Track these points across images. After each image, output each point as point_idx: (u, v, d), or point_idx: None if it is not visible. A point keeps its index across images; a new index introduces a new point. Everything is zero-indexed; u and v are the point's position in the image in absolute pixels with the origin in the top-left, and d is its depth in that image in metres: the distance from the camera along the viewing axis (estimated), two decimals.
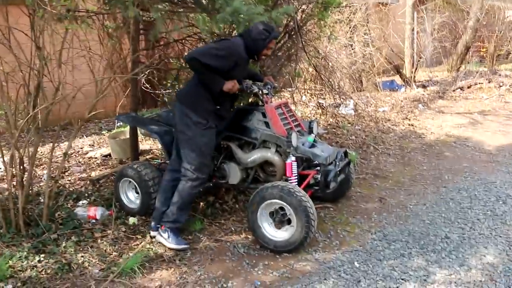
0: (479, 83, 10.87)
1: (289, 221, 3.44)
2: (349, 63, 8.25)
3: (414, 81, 11.12)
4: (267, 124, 3.71)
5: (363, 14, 9.55)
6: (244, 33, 3.44)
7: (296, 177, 3.63)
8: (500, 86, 10.52)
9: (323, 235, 3.84)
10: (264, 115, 3.72)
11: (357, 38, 9.09)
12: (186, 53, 4.44)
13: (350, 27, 8.73)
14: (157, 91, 6.22)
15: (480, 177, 5.14)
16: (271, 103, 3.82)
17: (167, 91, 5.78)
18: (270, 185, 3.47)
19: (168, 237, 3.51)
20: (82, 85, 3.57)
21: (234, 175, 3.90)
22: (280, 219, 3.48)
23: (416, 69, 11.42)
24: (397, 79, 11.37)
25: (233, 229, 3.93)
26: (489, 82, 10.80)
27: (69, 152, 4.96)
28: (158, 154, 5.61)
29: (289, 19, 4.91)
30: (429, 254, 3.48)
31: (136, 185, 3.96)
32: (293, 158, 3.62)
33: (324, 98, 7.29)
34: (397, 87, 10.79)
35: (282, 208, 3.44)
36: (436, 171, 5.45)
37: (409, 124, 7.63)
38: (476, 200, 4.53)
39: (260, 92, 3.75)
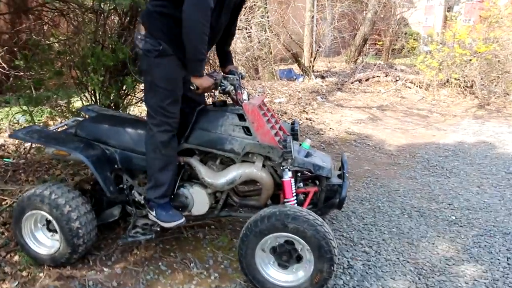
0: (377, 76, 10.69)
1: (298, 258, 2.52)
2: (244, 49, 7.33)
3: (313, 71, 10.63)
4: (246, 130, 2.66)
5: None
6: None
7: (296, 197, 2.69)
8: (397, 81, 10.39)
9: (199, 265, 2.95)
10: (241, 117, 2.67)
11: (253, 21, 8.21)
12: None
13: (245, 8, 7.79)
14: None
15: (383, 184, 4.53)
16: (247, 100, 2.76)
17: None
18: (269, 211, 2.49)
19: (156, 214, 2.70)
20: None
21: (200, 202, 2.83)
22: (288, 257, 2.52)
23: (314, 58, 10.93)
24: (295, 68, 10.78)
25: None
26: (386, 76, 10.66)
27: None
28: (11, 151, 4.22)
29: None
30: None
31: (52, 219, 2.66)
32: (290, 174, 2.65)
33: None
34: (295, 77, 10.23)
35: (289, 242, 2.48)
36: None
37: (306, 118, 6.95)
38: (380, 213, 3.88)
39: (232, 89, 2.68)
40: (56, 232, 2.68)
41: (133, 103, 5.00)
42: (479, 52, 9.16)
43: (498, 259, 3.18)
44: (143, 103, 5.36)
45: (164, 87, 2.53)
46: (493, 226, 3.69)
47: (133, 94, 4.77)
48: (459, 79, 9.46)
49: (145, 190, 2.77)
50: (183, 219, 2.73)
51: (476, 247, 3.35)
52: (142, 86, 4.84)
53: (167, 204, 2.74)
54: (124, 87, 4.47)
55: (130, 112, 5.38)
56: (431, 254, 3.21)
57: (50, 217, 2.64)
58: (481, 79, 9.21)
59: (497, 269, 3.06)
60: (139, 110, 6.23)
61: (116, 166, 2.83)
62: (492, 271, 3.04)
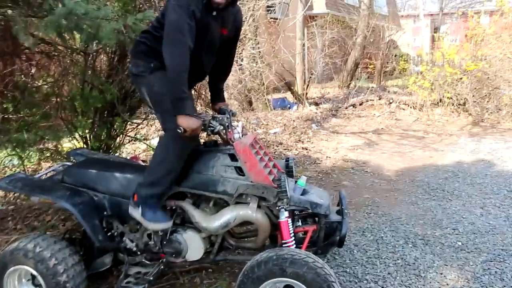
0: (370, 100, 10.70)
1: None
2: (236, 81, 7.30)
3: (307, 98, 10.62)
4: (239, 170, 2.56)
5: (251, 27, 8.73)
6: None
7: (294, 237, 2.56)
8: (390, 103, 10.40)
9: None
10: (233, 157, 2.57)
11: (244, 53, 8.21)
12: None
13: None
14: None
15: (384, 212, 4.40)
16: (239, 138, 2.68)
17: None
18: (265, 256, 2.34)
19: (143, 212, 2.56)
20: None
21: (195, 247, 2.70)
22: None
23: (308, 85, 10.95)
24: (289, 96, 10.77)
25: None
26: (379, 99, 10.68)
27: None
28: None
29: None
30: None
31: (36, 274, 2.50)
32: (287, 214, 2.52)
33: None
34: (289, 105, 10.19)
35: (288, 286, 2.35)
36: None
37: (302, 148, 6.86)
38: (384, 244, 3.73)
39: (222, 129, 2.58)
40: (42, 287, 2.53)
41: (125, 143, 4.91)
42: (469, 70, 9.21)
43: (511, 286, 3.04)
44: (136, 140, 5.34)
45: (166, 92, 2.49)
46: (502, 249, 3.56)
47: (124, 134, 4.69)
48: (451, 98, 9.48)
49: (137, 185, 2.61)
50: (171, 223, 2.61)
51: (487, 274, 3.21)
52: (132, 124, 4.83)
53: (156, 205, 2.61)
54: (114, 127, 4.40)
55: (123, 152, 5.29)
56: (440, 286, 3.06)
57: (34, 272, 2.49)
58: (473, 96, 9.23)
59: None
60: (132, 148, 6.13)
61: (105, 213, 2.72)
62: None
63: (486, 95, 9.31)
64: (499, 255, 3.48)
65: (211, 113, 2.73)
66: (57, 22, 2.49)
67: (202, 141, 2.83)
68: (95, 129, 4.13)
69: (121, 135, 4.63)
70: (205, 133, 2.56)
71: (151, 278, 2.70)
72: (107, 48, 4.06)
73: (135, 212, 2.58)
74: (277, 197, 2.49)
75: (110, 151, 4.47)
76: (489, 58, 9.32)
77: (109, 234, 2.76)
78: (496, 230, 3.91)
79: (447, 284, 3.09)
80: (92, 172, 2.78)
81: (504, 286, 3.04)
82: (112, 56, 4.23)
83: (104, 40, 2.91)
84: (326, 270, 2.28)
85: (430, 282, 3.11)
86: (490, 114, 9.05)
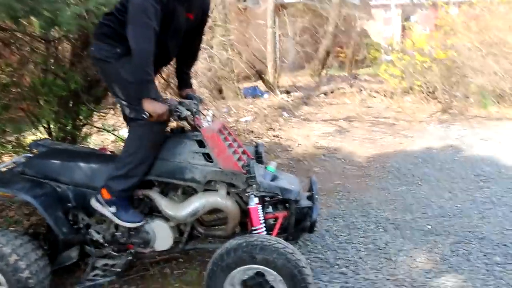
0: (342, 88, 10.75)
1: None
2: (206, 69, 7.20)
3: (278, 87, 10.60)
4: (207, 156, 2.49)
5: (221, 14, 8.61)
6: None
7: (264, 224, 2.49)
8: (361, 91, 10.47)
9: None
10: (201, 144, 2.50)
11: (214, 40, 8.10)
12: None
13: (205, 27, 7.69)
14: None
15: (355, 198, 4.43)
16: (206, 125, 2.61)
17: None
18: (235, 243, 2.29)
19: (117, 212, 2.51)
20: None
21: (163, 237, 2.63)
22: None
23: (279, 74, 10.92)
24: (260, 85, 10.72)
25: None
26: (351, 87, 10.74)
27: None
28: None
29: None
30: None
31: None
32: (257, 200, 2.47)
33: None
34: (260, 94, 10.15)
35: (259, 273, 2.28)
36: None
37: (274, 136, 6.84)
38: (355, 229, 3.75)
39: (190, 114, 2.50)
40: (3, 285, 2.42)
41: (92, 133, 4.77)
42: (438, 59, 9.35)
43: (477, 266, 3.10)
44: (104, 131, 5.19)
45: None
46: (468, 232, 3.62)
47: (91, 124, 4.55)
48: (421, 86, 9.62)
49: (108, 179, 2.53)
50: (144, 221, 2.57)
51: (454, 255, 3.26)
52: (99, 114, 4.69)
53: (128, 203, 2.56)
54: (80, 117, 4.26)
55: (90, 143, 5.15)
56: (410, 269, 3.10)
57: None
58: (442, 84, 9.37)
59: (476, 277, 2.97)
60: (100, 139, 5.98)
61: (69, 204, 2.62)
62: (472, 280, 2.94)
63: (454, 83, 9.48)
64: (466, 237, 3.54)
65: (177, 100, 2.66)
66: (8, 5, 2.34)
67: (168, 128, 2.77)
68: (59, 120, 3.98)
69: (87, 126, 4.48)
70: (174, 117, 2.49)
71: (119, 270, 2.64)
72: (69, 35, 3.91)
73: (105, 211, 2.51)
74: (247, 183, 2.46)
75: (76, 142, 4.33)
76: (458, 47, 9.47)
77: (74, 226, 2.68)
78: (463, 213, 3.99)
79: (417, 266, 3.12)
80: (55, 162, 2.68)
81: (471, 267, 3.09)
82: (75, 42, 4.07)
83: (64, 25, 2.80)
84: (296, 255, 2.26)
85: (400, 265, 3.14)
86: (458, 102, 9.22)
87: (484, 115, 8.53)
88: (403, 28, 18.48)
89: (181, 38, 2.67)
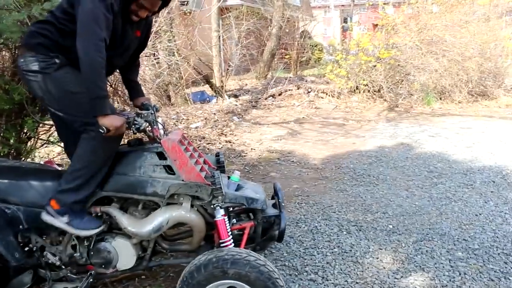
0: (289, 90, 10.79)
1: None
2: (154, 75, 6.96)
3: (225, 91, 10.48)
4: (169, 168, 2.34)
5: (166, 19, 8.37)
6: None
7: (231, 236, 2.38)
8: (309, 92, 10.55)
9: None
10: (161, 156, 2.34)
11: (160, 46, 7.86)
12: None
13: (151, 33, 7.43)
14: None
15: (315, 201, 4.37)
16: (164, 136, 2.45)
17: None
18: (204, 259, 2.18)
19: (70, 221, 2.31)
20: None
21: (126, 255, 2.45)
22: None
23: (226, 78, 10.81)
24: (208, 89, 10.56)
25: None
26: (298, 89, 10.81)
27: None
28: None
29: None
30: None
31: None
32: (223, 212, 2.35)
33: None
34: (208, 98, 10.00)
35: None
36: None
37: (226, 141, 6.69)
38: (319, 234, 3.69)
39: (148, 126, 2.35)
40: None
41: (37, 146, 4.43)
42: (382, 58, 9.59)
43: (442, 263, 3.12)
44: (50, 143, 4.86)
45: (81, 90, 2.20)
46: (429, 229, 3.66)
47: (36, 137, 4.23)
48: (367, 85, 9.83)
49: (57, 191, 2.32)
50: (102, 226, 2.38)
51: (419, 254, 3.27)
52: (46, 126, 4.37)
53: (83, 210, 2.37)
54: (25, 130, 3.94)
55: (36, 157, 4.80)
56: (377, 270, 3.07)
57: None
58: (387, 82, 9.63)
59: (442, 274, 2.99)
60: (45, 152, 5.60)
61: (21, 227, 2.37)
62: (439, 277, 2.96)
63: (398, 81, 9.77)
64: (428, 234, 3.58)
65: (132, 110, 2.48)
66: None
67: (125, 140, 2.58)
68: (2, 133, 3.65)
69: (32, 139, 4.17)
70: (132, 130, 2.31)
71: None
72: (9, 43, 3.59)
73: (58, 221, 2.28)
74: (212, 195, 2.33)
75: (21, 156, 4.01)
76: (400, 46, 9.77)
77: (26, 249, 2.43)
78: (422, 211, 4.04)
79: (384, 267, 3.10)
80: (2, 182, 2.41)
81: (436, 264, 3.11)
82: (16, 51, 3.76)
83: (5, 33, 2.57)
84: (269, 267, 2.17)
85: (368, 268, 3.11)
86: (403, 99, 9.50)
87: (428, 112, 8.84)
88: (343, 29, 18.91)
89: (129, 56, 2.56)
